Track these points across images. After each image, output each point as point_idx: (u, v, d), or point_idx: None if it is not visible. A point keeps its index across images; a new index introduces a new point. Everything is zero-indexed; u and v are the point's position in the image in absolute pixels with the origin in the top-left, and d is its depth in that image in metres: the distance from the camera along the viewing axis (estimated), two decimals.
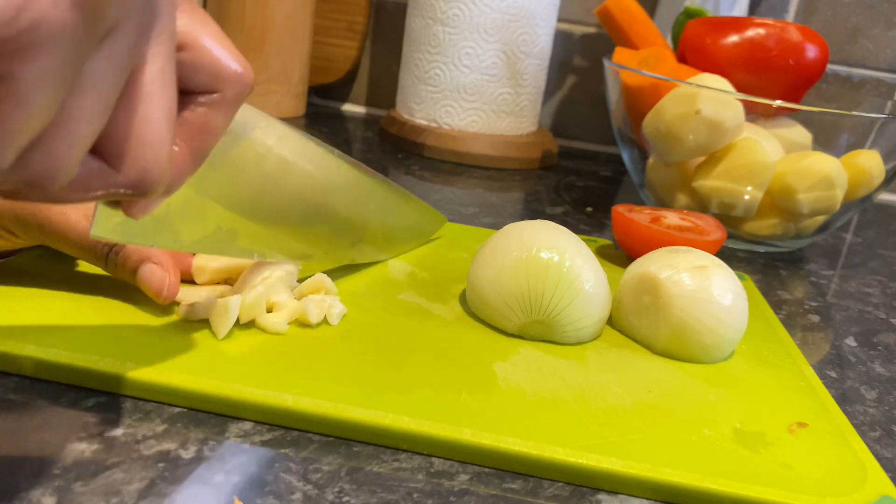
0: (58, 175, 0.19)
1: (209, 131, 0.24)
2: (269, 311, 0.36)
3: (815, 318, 0.51)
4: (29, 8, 0.16)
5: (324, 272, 0.41)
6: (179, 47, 0.23)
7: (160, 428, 0.29)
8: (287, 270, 0.38)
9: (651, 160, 0.66)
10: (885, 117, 0.59)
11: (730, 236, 0.62)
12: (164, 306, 0.36)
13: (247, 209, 0.35)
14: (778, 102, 0.57)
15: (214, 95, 0.24)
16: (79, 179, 0.20)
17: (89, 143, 0.19)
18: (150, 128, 0.21)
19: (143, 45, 0.20)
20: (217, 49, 0.24)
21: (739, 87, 0.60)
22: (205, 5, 0.86)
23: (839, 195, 0.59)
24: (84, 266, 0.39)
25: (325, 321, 0.37)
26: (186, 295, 0.37)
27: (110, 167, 0.21)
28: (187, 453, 0.28)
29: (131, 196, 0.22)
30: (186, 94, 0.24)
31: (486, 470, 0.29)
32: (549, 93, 0.95)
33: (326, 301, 0.37)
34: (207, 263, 0.38)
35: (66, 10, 0.16)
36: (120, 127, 0.20)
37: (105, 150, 0.20)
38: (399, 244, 0.48)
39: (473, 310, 0.40)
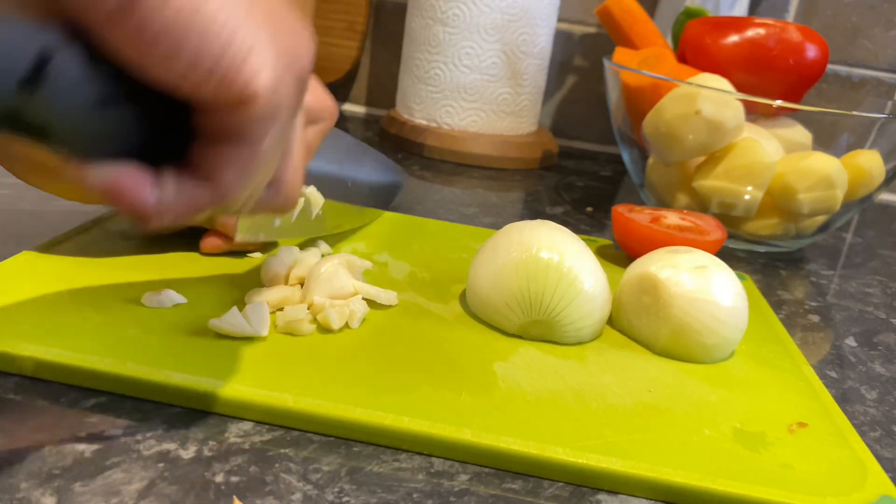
0: (249, 204, 0.27)
1: (314, 149, 0.34)
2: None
3: (816, 318, 0.51)
4: (280, 89, 0.23)
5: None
6: None
7: (160, 428, 0.29)
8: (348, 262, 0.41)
9: (651, 160, 0.66)
10: (885, 117, 0.59)
11: (730, 236, 0.62)
12: (168, 308, 0.36)
13: None
14: (778, 102, 0.57)
15: (321, 124, 0.34)
16: (258, 199, 0.29)
17: (268, 179, 0.28)
18: (294, 171, 0.29)
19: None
20: (322, 95, 0.33)
21: (739, 87, 0.60)
22: None
23: (839, 195, 0.59)
24: (85, 265, 0.39)
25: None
26: (267, 296, 0.38)
27: (267, 196, 0.28)
28: (187, 453, 0.28)
29: (273, 212, 0.30)
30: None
31: (486, 470, 0.29)
32: (549, 93, 0.95)
33: (348, 307, 0.37)
34: (279, 271, 0.40)
35: (293, 90, 0.24)
36: (280, 170, 0.28)
37: (270, 183, 0.28)
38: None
39: (473, 310, 0.40)
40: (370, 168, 0.53)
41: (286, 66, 0.23)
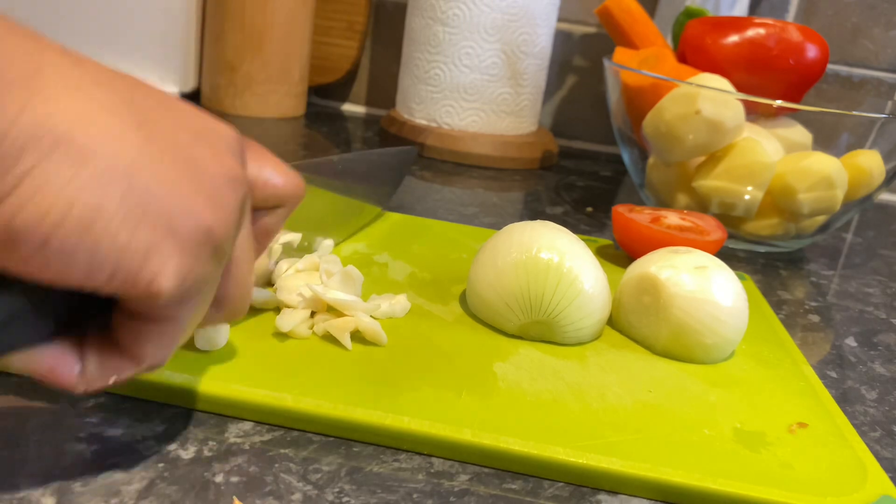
0: (187, 337, 0.25)
1: (275, 231, 0.30)
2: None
3: (816, 319, 0.51)
4: (188, 277, 0.22)
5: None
6: (253, 187, 0.28)
7: (160, 428, 0.29)
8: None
9: (651, 160, 0.66)
10: (885, 117, 0.59)
11: (730, 236, 0.62)
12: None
13: None
14: (778, 102, 0.57)
15: (279, 210, 0.29)
16: None
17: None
18: (242, 282, 0.27)
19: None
20: (276, 178, 0.29)
21: (739, 87, 0.60)
22: (204, 5, 0.86)
23: (839, 195, 0.59)
24: None
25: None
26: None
27: (214, 310, 0.26)
28: (187, 453, 0.28)
29: (225, 323, 0.29)
30: (257, 210, 0.29)
31: (486, 470, 0.29)
32: (549, 93, 0.95)
33: (352, 323, 0.36)
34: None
35: (209, 265, 0.23)
36: (222, 287, 0.26)
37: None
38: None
39: (473, 310, 0.40)
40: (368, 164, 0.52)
41: (197, 246, 0.22)
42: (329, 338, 0.35)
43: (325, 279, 0.38)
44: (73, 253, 0.20)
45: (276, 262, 0.40)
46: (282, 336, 0.35)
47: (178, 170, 0.22)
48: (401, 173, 0.56)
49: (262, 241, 0.30)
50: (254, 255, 0.28)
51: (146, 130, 0.22)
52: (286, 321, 0.35)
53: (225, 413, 0.30)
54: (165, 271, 0.21)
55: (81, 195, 0.20)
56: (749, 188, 0.59)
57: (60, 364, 0.23)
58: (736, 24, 0.65)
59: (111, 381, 0.24)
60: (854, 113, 0.58)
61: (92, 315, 0.24)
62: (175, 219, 0.21)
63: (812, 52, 0.64)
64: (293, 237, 0.41)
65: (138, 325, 0.23)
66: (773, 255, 0.63)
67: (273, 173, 0.28)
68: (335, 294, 0.36)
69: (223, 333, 0.33)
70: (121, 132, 0.21)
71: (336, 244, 0.47)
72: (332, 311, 0.37)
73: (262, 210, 0.29)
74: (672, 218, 0.54)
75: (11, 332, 0.22)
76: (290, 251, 0.42)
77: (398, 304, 0.39)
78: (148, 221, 0.21)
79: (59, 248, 0.20)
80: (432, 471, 0.29)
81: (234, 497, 0.26)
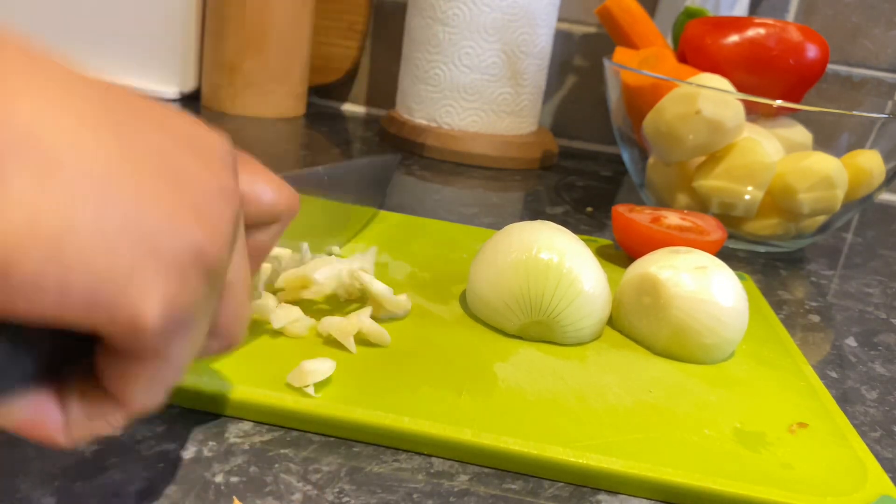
0: (181, 376, 0.23)
1: (268, 249, 0.28)
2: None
3: (816, 319, 0.51)
4: (176, 305, 0.19)
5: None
6: (246, 202, 0.26)
7: (160, 428, 0.29)
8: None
9: (651, 160, 0.66)
10: (885, 117, 0.59)
11: (730, 236, 0.62)
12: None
13: None
14: (778, 102, 0.57)
15: (273, 226, 0.27)
16: None
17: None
18: (237, 306, 0.24)
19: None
20: (270, 192, 0.27)
21: (739, 87, 0.60)
22: (204, 5, 0.86)
23: (839, 195, 0.59)
24: None
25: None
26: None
27: (210, 340, 0.24)
28: (187, 453, 0.28)
29: (223, 353, 0.26)
30: (249, 227, 0.27)
31: (486, 470, 0.29)
32: (549, 93, 0.95)
33: (353, 324, 0.36)
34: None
35: (199, 289, 0.20)
36: (218, 315, 0.24)
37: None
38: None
39: (473, 310, 0.40)
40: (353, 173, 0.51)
41: (185, 269, 0.19)
42: (330, 338, 0.35)
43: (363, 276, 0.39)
44: (41, 282, 0.17)
45: (264, 284, 0.39)
46: (280, 336, 0.35)
47: (162, 181, 0.19)
48: (387, 180, 0.57)
49: (255, 260, 0.27)
50: (250, 277, 0.26)
51: (123, 138, 0.19)
52: (279, 317, 0.35)
53: (225, 413, 0.30)
54: (150, 300, 0.18)
55: (47, 213, 0.16)
56: (749, 188, 0.59)
57: (41, 414, 0.20)
58: (736, 24, 0.66)
59: (99, 430, 0.21)
60: (854, 113, 0.58)
61: (74, 359, 0.21)
62: (159, 237, 0.19)
63: (812, 52, 0.64)
64: (281, 252, 0.40)
65: (124, 364, 0.20)
66: (773, 255, 0.63)
67: (266, 187, 0.26)
68: (378, 286, 0.38)
69: None
70: (93, 139, 0.18)
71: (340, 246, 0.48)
72: (335, 309, 0.37)
73: (254, 227, 0.27)
74: (672, 218, 0.54)
75: None
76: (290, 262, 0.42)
77: (401, 300, 0.39)
78: (127, 241, 0.18)
79: (24, 278, 0.16)
80: (432, 471, 0.29)
81: (234, 497, 0.26)
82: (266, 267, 0.38)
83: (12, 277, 0.16)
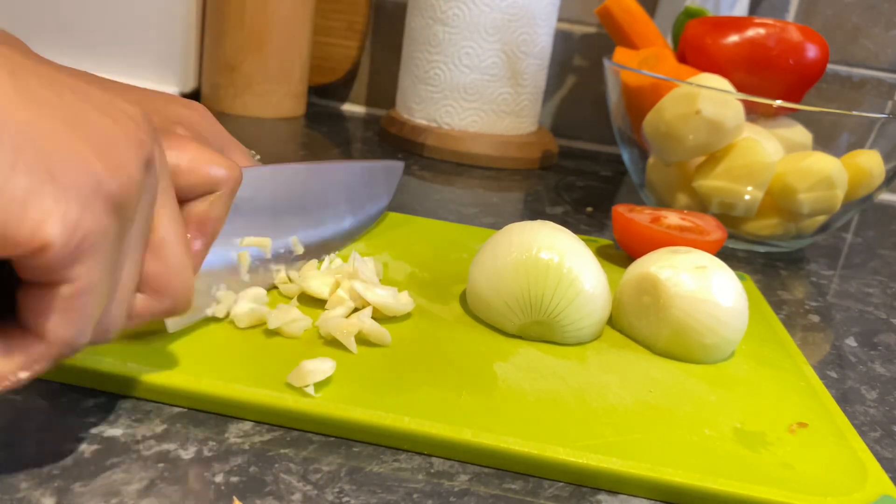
0: (116, 328, 0.24)
1: (216, 220, 0.29)
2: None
3: (816, 319, 0.51)
4: (78, 228, 0.20)
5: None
6: (176, 174, 0.27)
7: (160, 428, 0.29)
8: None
9: (651, 160, 0.66)
10: (885, 117, 0.59)
11: (730, 236, 0.62)
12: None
13: None
14: (778, 102, 0.57)
15: (212, 195, 0.29)
16: (131, 312, 0.25)
17: (132, 295, 0.25)
18: (174, 263, 0.26)
19: (155, 208, 0.25)
20: (205, 165, 0.28)
21: (739, 87, 0.60)
22: (204, 5, 0.86)
23: (839, 195, 0.59)
24: None
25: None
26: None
27: (152, 299, 0.26)
28: (187, 453, 0.28)
29: (171, 314, 0.27)
30: (192, 199, 0.29)
31: (486, 470, 0.29)
32: (549, 93, 0.95)
33: (354, 324, 0.35)
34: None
35: (104, 219, 0.21)
36: (153, 270, 0.25)
37: (146, 288, 0.26)
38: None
39: (473, 310, 0.40)
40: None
41: (85, 195, 0.20)
42: (330, 338, 0.35)
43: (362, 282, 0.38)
44: None
45: (249, 272, 0.38)
46: (280, 336, 0.35)
47: (61, 123, 0.21)
48: (392, 186, 0.56)
49: (201, 229, 0.29)
50: (185, 237, 0.27)
51: (24, 88, 0.20)
52: (275, 318, 0.35)
53: (225, 413, 0.30)
54: (50, 220, 0.19)
55: None
56: (749, 188, 0.59)
57: None
58: (736, 24, 0.65)
59: (23, 371, 0.22)
60: (854, 113, 0.58)
61: None
62: (56, 163, 0.20)
63: (812, 52, 0.64)
64: (261, 241, 0.39)
65: (38, 294, 0.21)
66: (773, 255, 0.63)
67: (197, 158, 0.28)
68: (377, 293, 0.38)
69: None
70: None
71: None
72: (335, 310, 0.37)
73: (200, 197, 0.28)
74: (672, 218, 0.54)
75: None
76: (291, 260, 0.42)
77: (403, 300, 0.39)
78: (24, 166, 0.19)
79: None
80: (432, 471, 0.29)
81: (234, 497, 0.26)
82: (244, 255, 0.38)
83: None
